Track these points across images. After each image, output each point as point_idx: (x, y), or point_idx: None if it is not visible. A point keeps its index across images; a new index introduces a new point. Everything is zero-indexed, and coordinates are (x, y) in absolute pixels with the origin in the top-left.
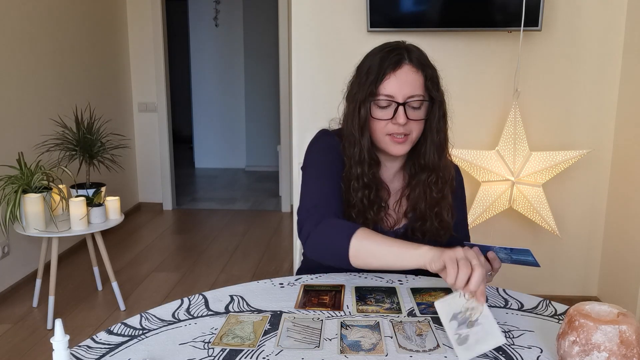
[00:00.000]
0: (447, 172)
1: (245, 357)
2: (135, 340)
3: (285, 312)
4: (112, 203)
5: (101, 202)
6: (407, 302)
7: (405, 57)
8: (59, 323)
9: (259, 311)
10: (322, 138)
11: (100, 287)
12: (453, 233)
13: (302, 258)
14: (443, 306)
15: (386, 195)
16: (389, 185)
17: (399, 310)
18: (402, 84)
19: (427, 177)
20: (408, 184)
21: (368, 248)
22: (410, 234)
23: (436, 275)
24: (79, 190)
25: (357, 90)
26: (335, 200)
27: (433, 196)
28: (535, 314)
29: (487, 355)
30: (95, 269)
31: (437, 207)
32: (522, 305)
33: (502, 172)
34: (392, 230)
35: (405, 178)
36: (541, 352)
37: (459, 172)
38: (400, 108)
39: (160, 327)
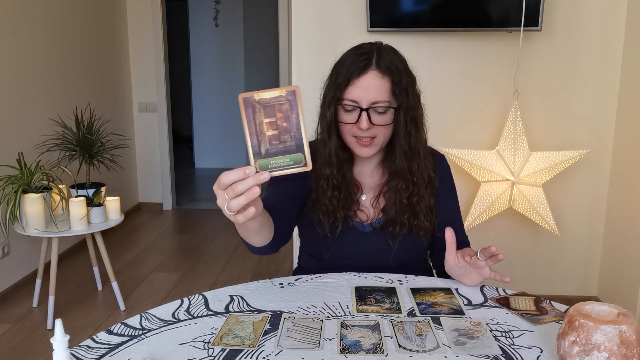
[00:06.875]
0: (422, 176)
1: (245, 357)
2: (135, 340)
3: (285, 312)
4: (112, 203)
5: (101, 202)
6: (407, 302)
7: (373, 62)
8: (59, 323)
9: (259, 311)
10: None
11: (100, 287)
12: (437, 233)
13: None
14: (448, 320)
15: (358, 192)
16: (367, 181)
17: (399, 310)
18: (366, 89)
19: (397, 184)
20: (386, 183)
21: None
22: (388, 228)
23: (438, 275)
24: (79, 190)
25: (327, 93)
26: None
27: (403, 202)
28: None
29: (488, 355)
30: (95, 269)
31: (408, 213)
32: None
33: (502, 172)
34: (370, 223)
35: (385, 174)
36: (541, 352)
37: (444, 161)
38: (364, 113)
39: (160, 327)
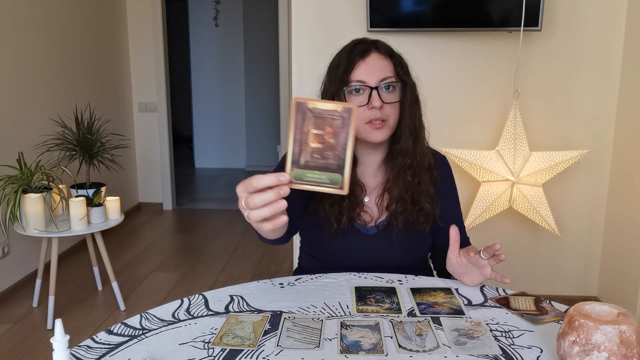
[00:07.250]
0: (423, 159)
1: (245, 357)
2: (135, 340)
3: (285, 312)
4: (112, 203)
5: (101, 202)
6: (407, 302)
7: (373, 46)
8: (59, 323)
9: (259, 311)
10: None
11: (100, 287)
12: (440, 223)
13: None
14: (448, 320)
15: (361, 193)
16: (370, 182)
17: (398, 310)
18: (372, 69)
19: (401, 161)
20: (388, 180)
21: None
22: (394, 226)
23: (439, 275)
24: (79, 190)
25: (329, 85)
26: None
27: (407, 180)
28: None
29: (488, 355)
30: (95, 269)
31: (411, 191)
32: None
33: (502, 172)
34: (375, 225)
35: (387, 172)
36: (541, 352)
37: (445, 162)
38: (374, 92)
39: (160, 327)
